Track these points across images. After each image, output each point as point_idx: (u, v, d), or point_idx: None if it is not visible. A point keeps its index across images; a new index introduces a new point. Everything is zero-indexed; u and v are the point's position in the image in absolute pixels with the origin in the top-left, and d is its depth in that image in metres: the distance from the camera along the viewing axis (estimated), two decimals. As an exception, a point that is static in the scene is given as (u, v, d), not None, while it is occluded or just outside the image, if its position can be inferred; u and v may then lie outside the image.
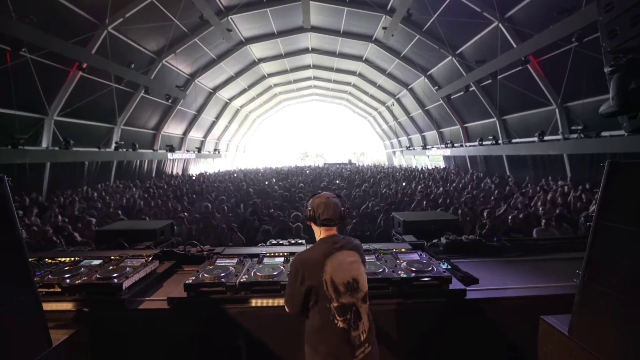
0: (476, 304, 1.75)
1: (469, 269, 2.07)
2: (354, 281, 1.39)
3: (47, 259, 2.23)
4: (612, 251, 1.37)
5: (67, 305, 1.76)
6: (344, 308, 1.35)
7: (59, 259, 2.25)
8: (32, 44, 6.72)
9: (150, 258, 2.10)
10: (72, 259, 2.20)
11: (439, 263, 1.96)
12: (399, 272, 1.79)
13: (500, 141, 11.46)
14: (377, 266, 1.86)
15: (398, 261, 1.94)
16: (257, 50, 15.82)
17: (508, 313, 1.77)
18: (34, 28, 6.40)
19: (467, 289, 1.78)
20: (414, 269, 1.79)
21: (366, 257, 2.00)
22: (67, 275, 1.86)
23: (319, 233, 1.52)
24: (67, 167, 10.14)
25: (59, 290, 1.78)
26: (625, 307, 1.28)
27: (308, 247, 1.60)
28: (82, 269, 1.96)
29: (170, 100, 12.52)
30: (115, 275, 1.82)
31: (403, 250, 2.16)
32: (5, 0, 6.38)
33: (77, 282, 1.79)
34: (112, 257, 2.14)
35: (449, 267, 2.00)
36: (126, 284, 1.77)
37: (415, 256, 2.03)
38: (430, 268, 1.80)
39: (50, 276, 1.86)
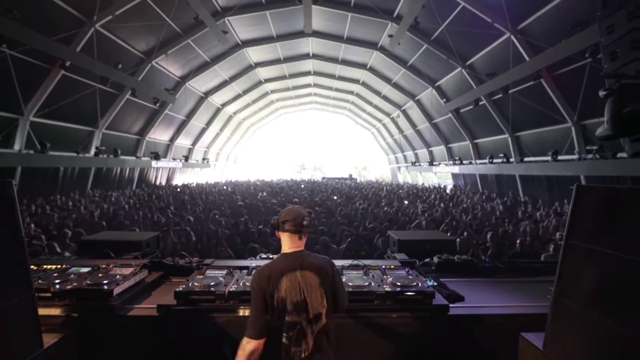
0: (459, 319, 2.01)
1: (457, 288, 2.32)
2: (302, 302, 1.55)
3: (32, 266, 2.47)
4: (577, 268, 1.65)
5: (56, 310, 1.99)
6: (290, 325, 1.55)
7: (45, 266, 2.49)
8: (13, 40, 7.07)
9: (139, 267, 2.35)
10: (59, 266, 2.44)
11: (426, 280, 2.22)
12: (384, 286, 2.05)
13: (512, 159, 11.85)
14: (364, 280, 2.12)
15: (385, 276, 2.20)
16: (254, 54, 16.46)
17: (490, 330, 2.02)
18: (17, 23, 6.77)
19: (451, 305, 2.03)
20: (399, 284, 2.06)
21: (354, 273, 2.27)
22: (57, 281, 2.10)
23: (285, 243, 1.69)
24: (41, 172, 10.39)
25: (48, 295, 2.02)
26: (588, 321, 1.55)
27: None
28: (72, 275, 2.21)
29: (158, 104, 12.93)
30: (105, 281, 2.06)
31: (392, 266, 2.42)
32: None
33: (67, 287, 2.03)
34: (100, 265, 2.39)
35: (435, 284, 2.25)
36: (116, 290, 2.01)
37: (402, 272, 2.29)
38: (415, 283, 2.06)
39: (40, 281, 2.10)
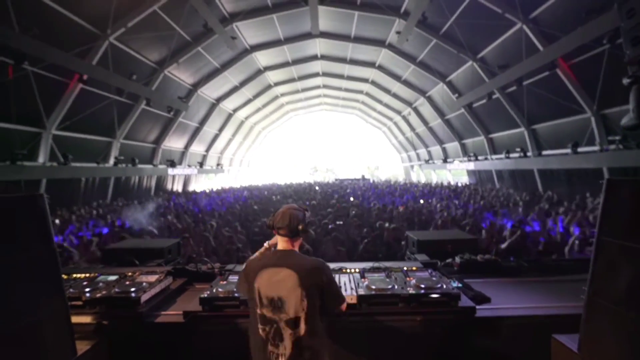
0: (486, 321, 1.96)
1: (482, 289, 2.27)
2: (278, 299, 1.54)
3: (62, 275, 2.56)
4: (612, 266, 1.58)
5: (87, 318, 2.06)
6: (264, 319, 1.57)
7: (74, 275, 2.57)
8: (33, 57, 7.36)
9: (163, 274, 2.40)
10: (88, 274, 2.51)
11: (450, 281, 2.17)
12: (408, 288, 2.02)
13: (529, 153, 11.53)
14: (387, 283, 2.09)
15: (408, 279, 2.17)
16: (262, 58, 16.61)
17: (520, 332, 1.96)
18: (37, 40, 7.05)
19: (478, 307, 1.99)
20: (422, 286, 2.02)
21: (375, 275, 2.25)
22: (87, 290, 2.16)
23: (278, 243, 1.73)
24: (63, 183, 10.74)
25: (80, 303, 2.09)
26: (626, 321, 1.48)
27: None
28: (100, 283, 2.27)
29: (171, 113, 13.22)
30: (133, 289, 2.12)
31: (414, 268, 2.38)
32: (9, 13, 7.09)
33: (97, 295, 2.09)
34: (127, 273, 2.45)
35: (460, 285, 2.21)
36: (144, 297, 2.06)
37: (425, 274, 2.25)
38: (439, 285, 2.03)
39: (71, 290, 2.16)
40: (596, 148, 9.22)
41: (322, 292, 1.60)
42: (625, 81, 2.51)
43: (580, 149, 9.24)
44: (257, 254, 1.92)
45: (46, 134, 9.79)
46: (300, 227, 1.67)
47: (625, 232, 1.54)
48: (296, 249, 1.73)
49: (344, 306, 1.72)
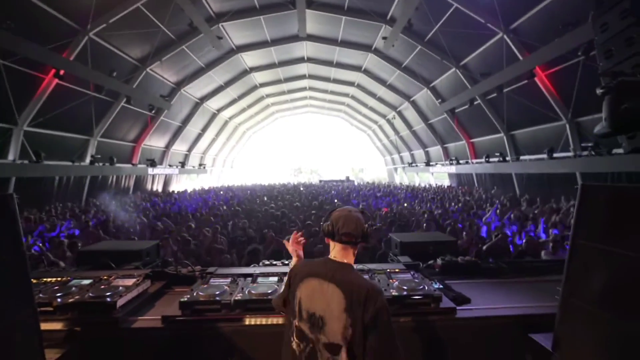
0: (467, 322, 2.00)
1: (462, 290, 2.31)
2: (319, 318, 1.34)
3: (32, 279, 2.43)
4: (586, 268, 1.65)
5: (58, 325, 1.95)
6: (301, 334, 1.38)
7: (44, 279, 2.45)
8: (5, 49, 7.03)
9: (141, 278, 2.32)
10: (59, 278, 2.40)
11: (431, 283, 2.21)
12: (391, 290, 2.03)
13: (508, 158, 11.93)
14: (370, 285, 2.10)
15: (391, 280, 2.19)
16: (248, 59, 16.49)
17: (499, 332, 2.01)
18: (10, 33, 6.74)
19: (458, 307, 2.02)
20: (405, 288, 2.04)
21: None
22: (58, 294, 2.06)
23: (333, 250, 1.49)
24: (35, 182, 10.27)
25: (50, 309, 1.98)
26: (599, 321, 1.54)
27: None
28: (73, 288, 2.17)
29: (153, 111, 12.88)
30: (108, 293, 2.03)
31: (397, 270, 2.41)
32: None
33: (69, 300, 1.99)
34: (102, 277, 2.35)
35: (441, 286, 2.25)
36: (120, 302, 1.98)
37: (408, 276, 2.28)
38: (421, 287, 2.05)
39: (41, 295, 2.06)
40: (570, 154, 9.63)
41: (369, 327, 1.28)
42: (599, 91, 2.62)
43: (555, 155, 9.63)
44: (294, 259, 1.73)
45: (17, 130, 9.34)
46: (365, 229, 1.47)
47: (599, 235, 1.61)
48: (353, 261, 1.49)
49: None
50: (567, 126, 9.83)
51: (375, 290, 1.31)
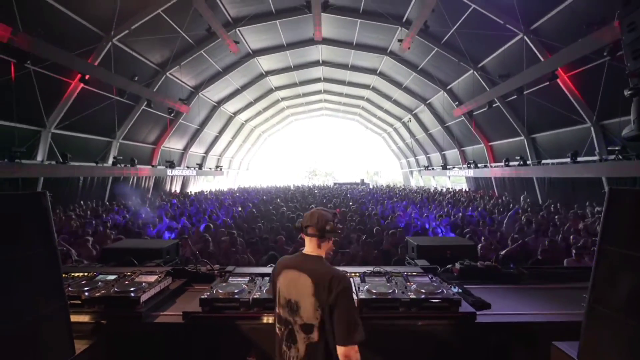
0: (486, 327, 1.96)
1: (482, 295, 2.27)
2: (294, 303, 1.55)
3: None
4: (613, 274, 1.59)
5: (85, 317, 2.04)
6: (280, 319, 1.61)
7: (72, 274, 2.56)
8: (36, 56, 7.42)
9: (163, 275, 2.39)
10: (86, 273, 2.51)
11: (450, 287, 2.18)
12: (409, 293, 2.02)
13: (529, 162, 11.59)
14: (387, 287, 2.10)
15: (408, 283, 2.18)
16: (265, 62, 16.73)
17: (520, 339, 1.97)
18: (42, 40, 7.11)
19: (478, 312, 1.99)
20: (423, 291, 2.03)
21: (376, 279, 2.25)
22: (86, 288, 2.16)
23: (307, 245, 1.70)
24: (61, 182, 10.72)
25: (79, 302, 2.08)
26: (626, 329, 1.49)
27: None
28: (99, 283, 2.26)
29: (172, 114, 13.24)
30: (132, 289, 2.11)
31: (414, 273, 2.39)
32: (13, 12, 7.15)
33: (96, 294, 2.08)
34: (126, 273, 2.44)
35: (460, 290, 2.21)
36: (143, 297, 2.06)
37: (426, 279, 2.26)
38: (440, 290, 2.03)
39: (70, 288, 2.16)
40: (596, 158, 9.28)
41: (332, 307, 1.48)
42: (627, 93, 2.54)
43: (579, 159, 9.29)
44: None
45: (45, 133, 9.81)
46: (328, 227, 1.64)
47: (627, 241, 1.55)
48: (323, 253, 1.69)
49: (346, 350, 1.43)
50: (592, 129, 9.48)
51: (338, 276, 1.52)
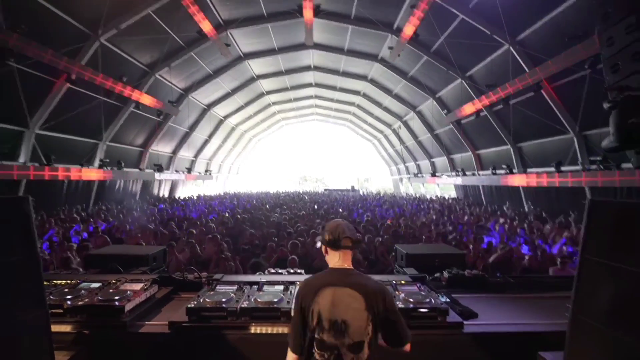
0: (474, 337, 1.99)
1: (469, 304, 2.30)
2: (342, 323, 1.43)
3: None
4: (596, 284, 1.64)
5: (67, 327, 1.98)
6: (323, 345, 1.44)
7: (54, 281, 2.49)
8: (20, 54, 7.22)
9: (149, 283, 2.35)
10: (69, 281, 2.44)
11: (438, 296, 2.20)
12: (397, 302, 2.03)
13: (515, 170, 11.86)
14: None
15: (397, 292, 2.19)
16: (256, 66, 16.72)
17: (507, 348, 1.99)
18: (25, 37, 6.92)
19: (465, 322, 2.02)
20: (411, 300, 2.04)
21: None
22: (68, 297, 2.10)
23: (333, 260, 1.59)
24: (44, 185, 10.41)
25: (60, 311, 2.02)
26: (610, 339, 1.53)
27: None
28: (82, 291, 2.21)
29: (161, 117, 13.08)
30: (117, 297, 2.06)
31: (402, 282, 2.40)
32: (-3, 9, 6.96)
33: (79, 303, 2.03)
34: (110, 281, 2.38)
35: (448, 300, 2.24)
36: (128, 306, 2.01)
37: (414, 288, 2.28)
38: (428, 300, 2.05)
39: (52, 297, 2.09)
40: (578, 167, 9.55)
41: (385, 319, 1.48)
42: (606, 106, 2.63)
43: (563, 168, 9.55)
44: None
45: (28, 133, 9.52)
46: (359, 236, 1.63)
47: (607, 251, 1.61)
48: (351, 265, 1.62)
49: (407, 347, 1.54)
50: (575, 139, 9.77)
51: (383, 287, 1.54)
